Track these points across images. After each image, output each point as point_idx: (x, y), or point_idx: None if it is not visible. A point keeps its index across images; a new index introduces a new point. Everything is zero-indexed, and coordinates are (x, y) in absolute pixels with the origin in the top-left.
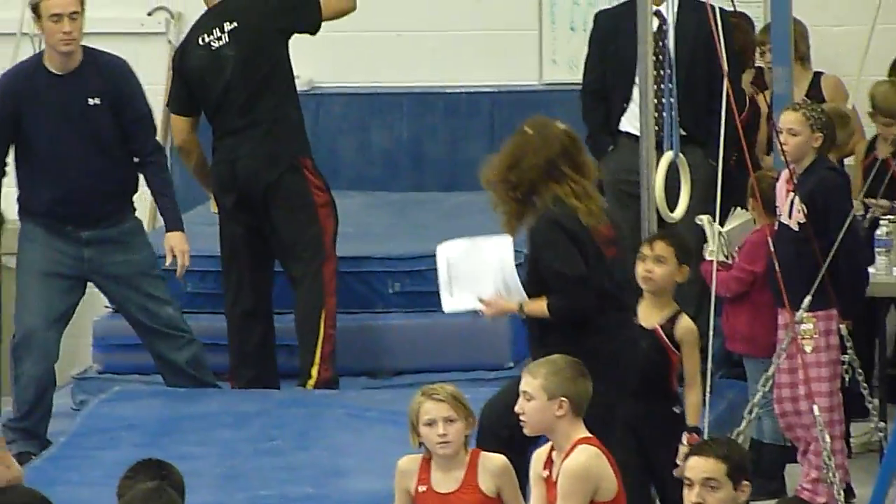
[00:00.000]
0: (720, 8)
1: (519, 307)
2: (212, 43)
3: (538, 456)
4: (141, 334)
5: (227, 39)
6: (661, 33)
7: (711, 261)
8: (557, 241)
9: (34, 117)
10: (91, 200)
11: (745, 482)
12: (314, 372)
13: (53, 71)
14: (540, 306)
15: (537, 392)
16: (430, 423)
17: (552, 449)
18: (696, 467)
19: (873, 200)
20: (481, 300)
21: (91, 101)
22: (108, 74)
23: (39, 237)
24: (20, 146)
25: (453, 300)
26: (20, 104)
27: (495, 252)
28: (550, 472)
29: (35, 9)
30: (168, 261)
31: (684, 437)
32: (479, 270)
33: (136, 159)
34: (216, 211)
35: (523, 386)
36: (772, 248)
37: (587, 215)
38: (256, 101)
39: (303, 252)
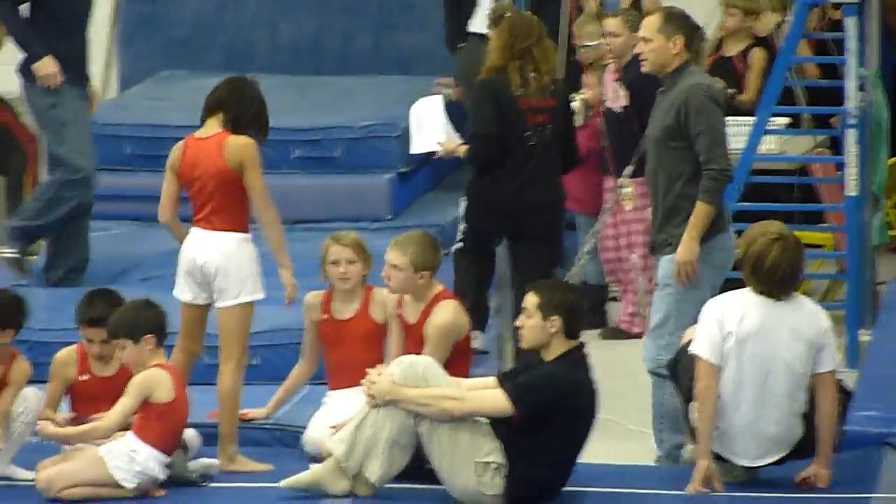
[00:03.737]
0: None
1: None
2: None
3: (393, 299)
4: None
5: None
6: None
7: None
8: (481, 102)
9: None
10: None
11: (555, 317)
12: None
13: None
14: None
15: (406, 266)
16: (335, 263)
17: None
18: (525, 299)
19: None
20: (438, 143)
21: None
22: None
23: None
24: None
25: (420, 143)
26: None
27: (436, 107)
28: (402, 310)
29: None
30: None
31: None
32: (436, 121)
33: None
34: None
35: (393, 260)
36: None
37: (519, 87)
38: None
39: None
